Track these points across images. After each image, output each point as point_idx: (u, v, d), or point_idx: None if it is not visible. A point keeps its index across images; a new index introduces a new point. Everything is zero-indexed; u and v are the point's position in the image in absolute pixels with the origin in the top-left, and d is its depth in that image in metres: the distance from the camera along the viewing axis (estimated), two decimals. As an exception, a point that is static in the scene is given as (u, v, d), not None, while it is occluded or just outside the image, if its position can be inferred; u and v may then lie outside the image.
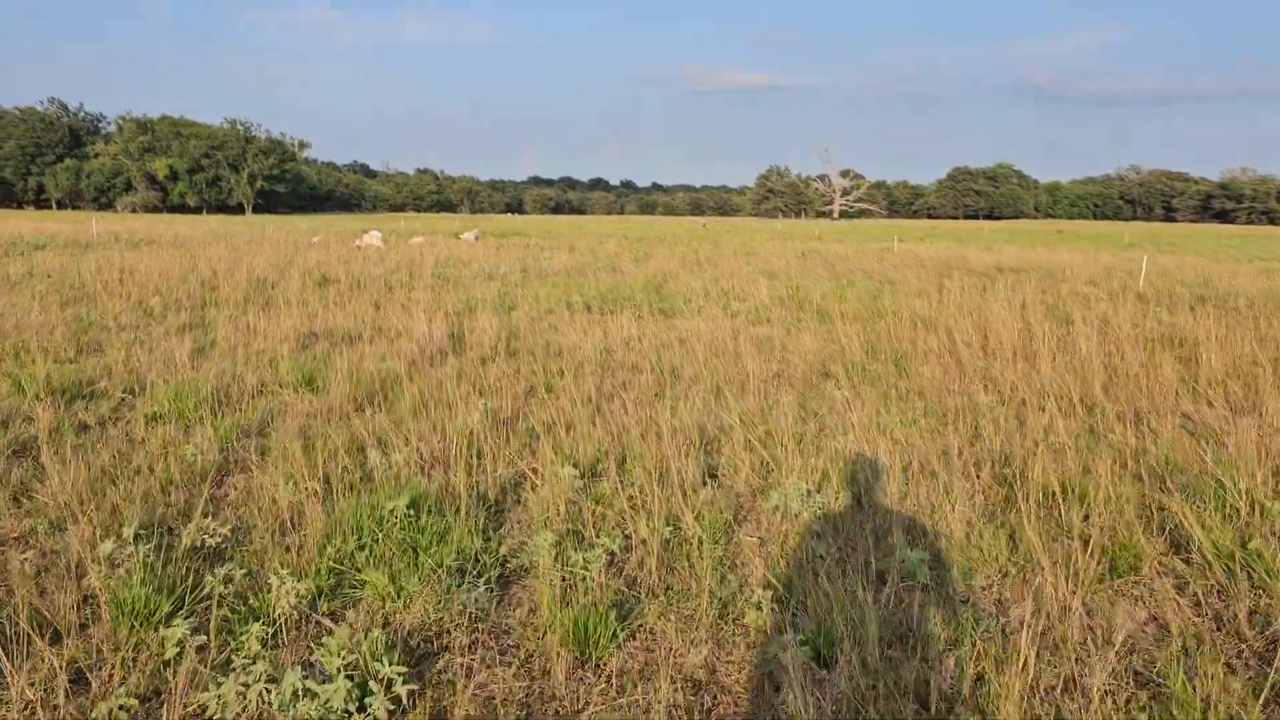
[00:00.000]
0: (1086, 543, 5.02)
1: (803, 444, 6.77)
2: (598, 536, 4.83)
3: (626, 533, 5.07)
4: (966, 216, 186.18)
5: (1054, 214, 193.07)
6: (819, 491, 5.65)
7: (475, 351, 10.58)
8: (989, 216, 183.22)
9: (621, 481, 5.60)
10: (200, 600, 4.17)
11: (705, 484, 5.93)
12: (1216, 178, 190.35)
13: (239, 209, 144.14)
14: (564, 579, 4.40)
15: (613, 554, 4.67)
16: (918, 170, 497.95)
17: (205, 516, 5.05)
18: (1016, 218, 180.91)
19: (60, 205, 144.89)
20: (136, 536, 4.54)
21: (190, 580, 4.27)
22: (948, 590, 4.59)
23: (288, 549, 4.73)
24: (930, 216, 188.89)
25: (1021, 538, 5.13)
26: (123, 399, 8.02)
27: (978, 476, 6.21)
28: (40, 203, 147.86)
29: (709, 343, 11.41)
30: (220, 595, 4.16)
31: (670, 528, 5.00)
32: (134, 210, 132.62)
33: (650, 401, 8.35)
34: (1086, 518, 5.44)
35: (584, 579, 4.34)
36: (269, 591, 4.02)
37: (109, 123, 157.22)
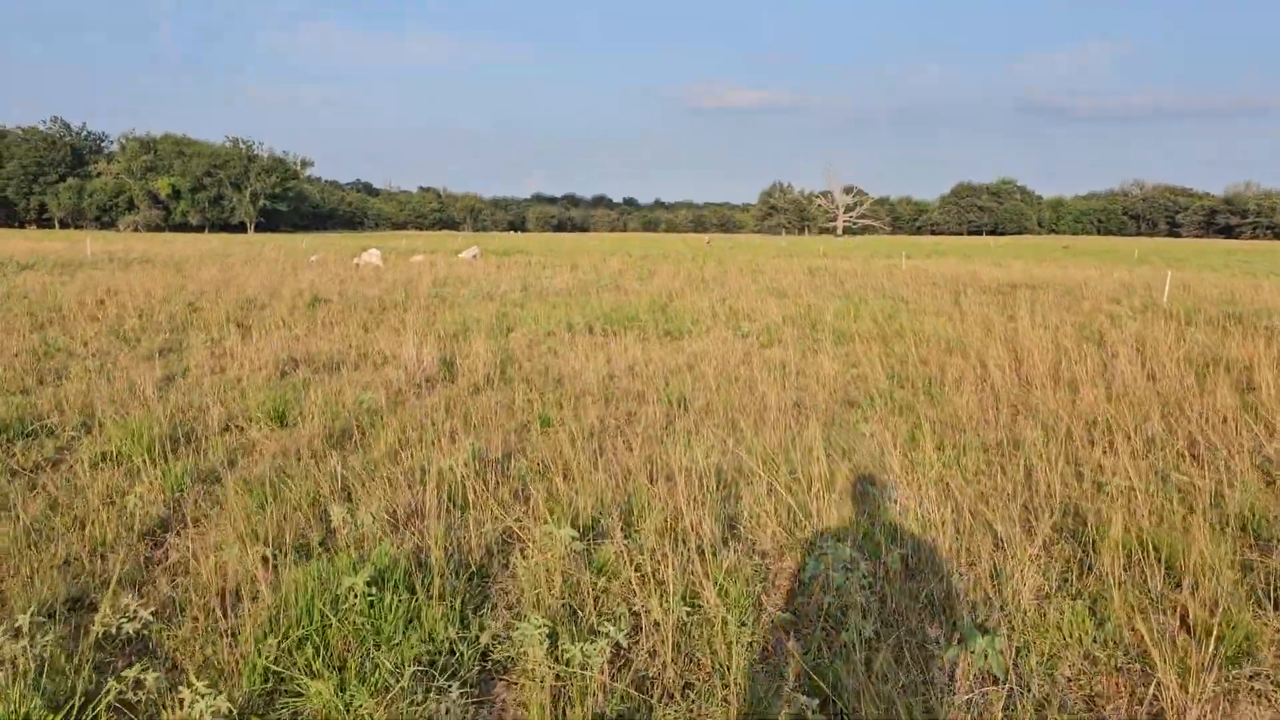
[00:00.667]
0: (1184, 619, 4.19)
1: (834, 488, 5.93)
2: (599, 620, 3.99)
3: (635, 609, 4.23)
4: (970, 232, 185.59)
5: (1058, 230, 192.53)
6: (860, 552, 4.81)
7: (468, 379, 9.75)
8: (993, 232, 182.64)
9: (628, 544, 4.75)
10: (99, 712, 3.33)
11: (725, 543, 5.08)
12: (1220, 193, 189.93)
13: (241, 228, 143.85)
14: (558, 678, 3.57)
15: (618, 644, 3.82)
16: (920, 187, 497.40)
17: (130, 591, 4.22)
18: (1020, 233, 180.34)
19: (63, 225, 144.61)
20: (34, 623, 3.71)
21: (92, 683, 3.44)
22: (1030, 687, 3.74)
23: (221, 634, 3.90)
24: (934, 233, 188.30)
25: (1108, 613, 4.28)
26: (72, 438, 7.19)
27: (1037, 530, 5.36)
28: (43, 222, 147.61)
29: (719, 367, 10.60)
30: (127, 704, 3.32)
31: (687, 606, 4.15)
32: (136, 229, 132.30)
33: (658, 437, 7.51)
34: (1178, 585, 4.59)
35: (583, 681, 3.50)
36: (183, 707, 3.18)
37: (111, 142, 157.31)
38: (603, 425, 7.89)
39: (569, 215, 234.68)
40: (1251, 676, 3.90)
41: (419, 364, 10.03)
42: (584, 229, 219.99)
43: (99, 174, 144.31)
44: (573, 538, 4.54)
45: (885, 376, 10.07)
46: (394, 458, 6.52)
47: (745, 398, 8.94)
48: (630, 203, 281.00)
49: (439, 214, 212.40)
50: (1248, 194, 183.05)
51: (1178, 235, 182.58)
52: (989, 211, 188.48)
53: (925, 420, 8.17)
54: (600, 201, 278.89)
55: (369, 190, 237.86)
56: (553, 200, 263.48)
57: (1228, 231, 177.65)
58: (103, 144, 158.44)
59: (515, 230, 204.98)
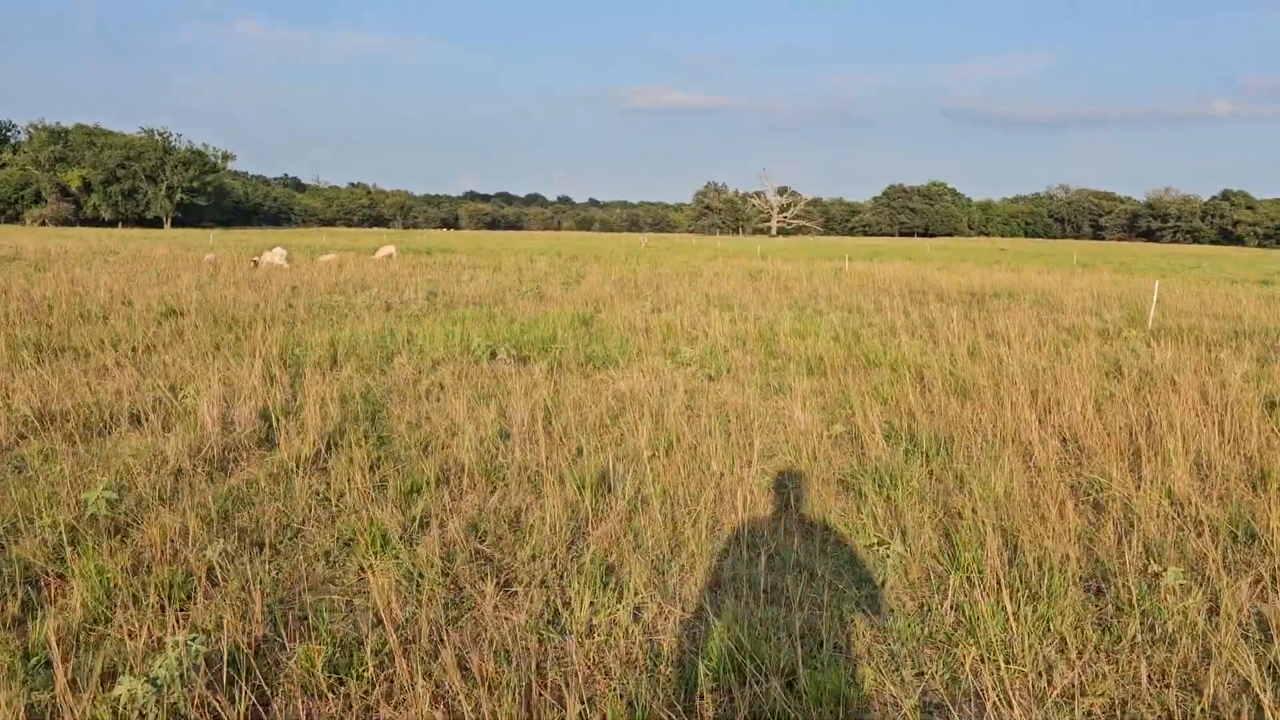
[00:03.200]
0: None
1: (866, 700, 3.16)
2: None
3: None
4: (902, 234, 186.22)
5: (988, 231, 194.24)
6: None
7: (300, 441, 6.77)
8: (924, 234, 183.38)
9: None
10: None
11: None
12: (1141, 198, 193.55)
13: (157, 223, 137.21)
14: None
15: None
16: (852, 188, 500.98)
17: None
18: (950, 235, 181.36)
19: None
20: None
21: None
22: None
23: None
24: (866, 233, 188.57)
25: None
26: None
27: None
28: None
29: (655, 417, 7.80)
30: None
31: None
32: (44, 223, 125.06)
33: (557, 566, 4.68)
34: None
35: None
36: None
37: (20, 131, 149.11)
38: (473, 542, 5.02)
39: (503, 213, 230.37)
40: None
41: (230, 421, 7.03)
42: (518, 227, 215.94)
43: (3, 164, 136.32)
44: None
45: (883, 434, 7.33)
46: (61, 658, 3.55)
47: (691, 478, 6.13)
48: (565, 201, 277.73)
49: (368, 211, 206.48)
50: (1168, 199, 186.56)
51: (1101, 238, 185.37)
52: (920, 213, 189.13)
53: (957, 517, 5.46)
54: (534, 200, 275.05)
55: (297, 186, 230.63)
56: (486, 198, 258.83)
57: (1149, 235, 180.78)
58: (9, 133, 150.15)
59: (448, 228, 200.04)
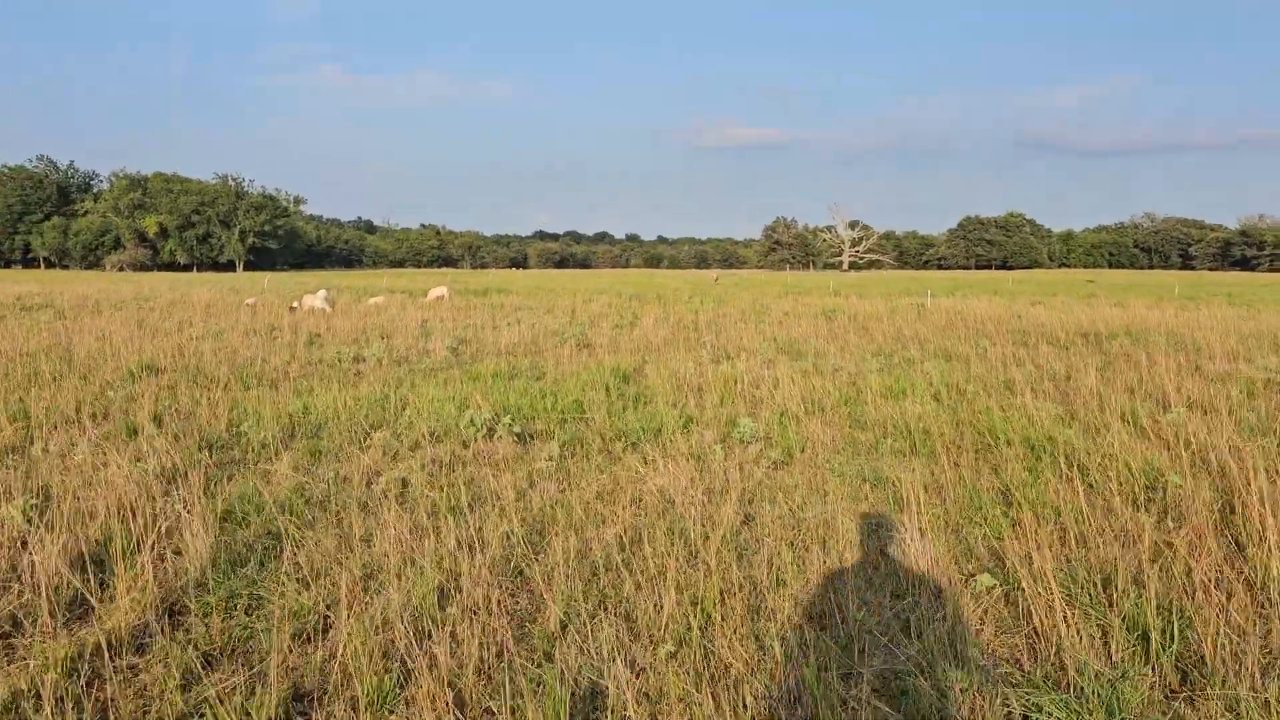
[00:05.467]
0: None
1: None
2: None
3: None
4: (978, 266, 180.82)
5: (1069, 263, 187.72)
6: None
7: (119, 612, 4.23)
8: (1002, 266, 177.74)
9: None
10: None
11: None
12: (1233, 225, 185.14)
13: (230, 266, 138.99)
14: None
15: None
16: (925, 221, 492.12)
17: None
18: (1030, 267, 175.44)
19: (49, 264, 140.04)
20: None
21: None
22: None
23: None
24: (941, 267, 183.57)
25: None
26: None
27: None
28: (28, 261, 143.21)
29: (692, 550, 5.13)
30: None
31: None
32: (122, 269, 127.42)
33: None
34: None
35: None
36: None
37: (103, 180, 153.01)
38: None
39: (571, 251, 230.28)
40: None
41: (50, 576, 4.52)
42: (586, 265, 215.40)
43: (85, 212, 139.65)
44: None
45: (1061, 594, 4.50)
46: None
47: (743, 712, 3.42)
48: (633, 239, 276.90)
49: (438, 251, 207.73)
50: (1263, 225, 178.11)
51: (1191, 268, 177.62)
52: (998, 245, 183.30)
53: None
54: (602, 238, 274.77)
55: (368, 228, 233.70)
56: (555, 237, 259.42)
57: (1244, 263, 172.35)
58: (92, 182, 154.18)
59: (517, 267, 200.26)
